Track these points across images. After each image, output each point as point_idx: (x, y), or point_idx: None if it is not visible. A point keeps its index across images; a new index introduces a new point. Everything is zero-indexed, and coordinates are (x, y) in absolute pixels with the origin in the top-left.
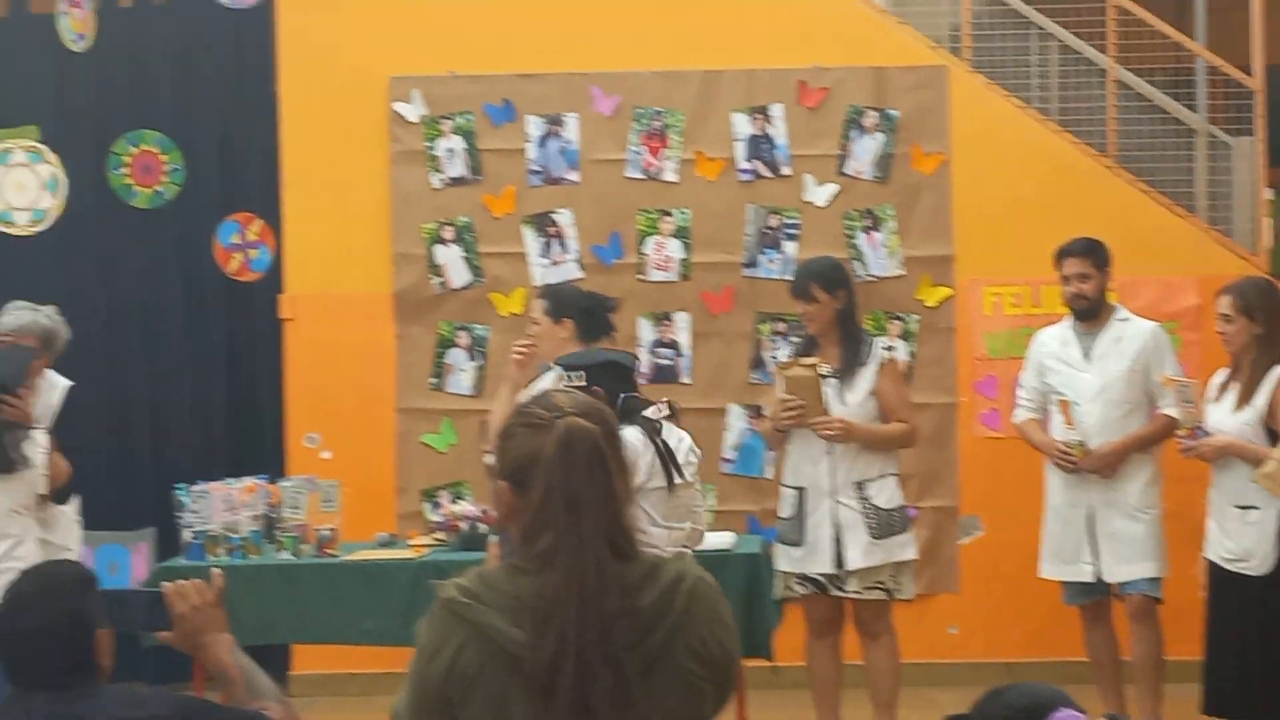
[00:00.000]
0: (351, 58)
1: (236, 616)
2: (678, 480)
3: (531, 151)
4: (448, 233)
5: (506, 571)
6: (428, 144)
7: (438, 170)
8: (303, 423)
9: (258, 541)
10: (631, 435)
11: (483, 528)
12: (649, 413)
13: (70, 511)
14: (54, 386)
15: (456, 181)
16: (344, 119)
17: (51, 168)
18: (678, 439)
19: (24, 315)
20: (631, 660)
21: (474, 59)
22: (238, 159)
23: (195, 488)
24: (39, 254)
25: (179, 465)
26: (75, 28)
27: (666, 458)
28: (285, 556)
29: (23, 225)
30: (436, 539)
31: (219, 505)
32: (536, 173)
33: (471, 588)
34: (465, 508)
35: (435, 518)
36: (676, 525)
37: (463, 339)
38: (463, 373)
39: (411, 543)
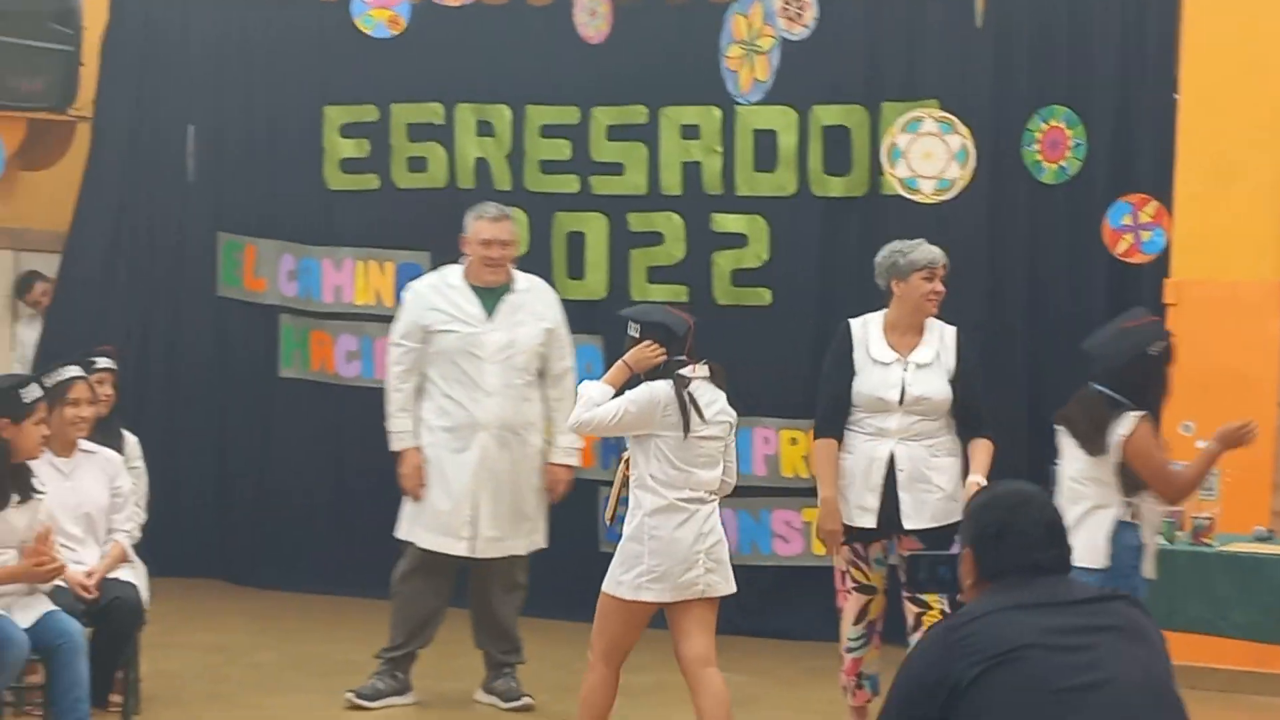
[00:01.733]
0: (1257, 42)
1: None
2: (694, 429)
3: None
4: None
5: None
6: None
7: None
8: (1180, 409)
9: None
10: (661, 385)
11: None
12: (684, 371)
13: None
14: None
15: None
16: (1244, 103)
17: (961, 139)
18: (710, 399)
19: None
20: None
21: None
22: (1135, 139)
23: None
24: (935, 221)
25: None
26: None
27: (688, 408)
28: (1159, 541)
29: (927, 193)
30: None
31: None
32: None
33: None
34: None
35: None
36: (690, 469)
37: None
38: None
39: None
